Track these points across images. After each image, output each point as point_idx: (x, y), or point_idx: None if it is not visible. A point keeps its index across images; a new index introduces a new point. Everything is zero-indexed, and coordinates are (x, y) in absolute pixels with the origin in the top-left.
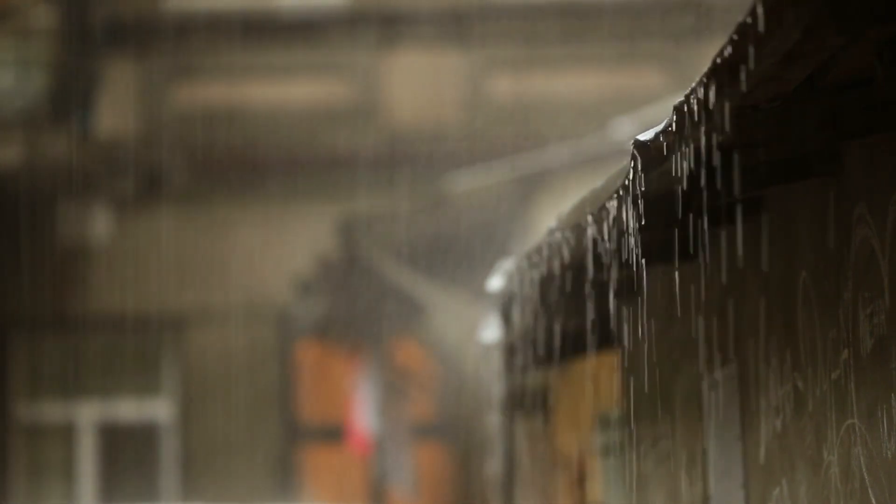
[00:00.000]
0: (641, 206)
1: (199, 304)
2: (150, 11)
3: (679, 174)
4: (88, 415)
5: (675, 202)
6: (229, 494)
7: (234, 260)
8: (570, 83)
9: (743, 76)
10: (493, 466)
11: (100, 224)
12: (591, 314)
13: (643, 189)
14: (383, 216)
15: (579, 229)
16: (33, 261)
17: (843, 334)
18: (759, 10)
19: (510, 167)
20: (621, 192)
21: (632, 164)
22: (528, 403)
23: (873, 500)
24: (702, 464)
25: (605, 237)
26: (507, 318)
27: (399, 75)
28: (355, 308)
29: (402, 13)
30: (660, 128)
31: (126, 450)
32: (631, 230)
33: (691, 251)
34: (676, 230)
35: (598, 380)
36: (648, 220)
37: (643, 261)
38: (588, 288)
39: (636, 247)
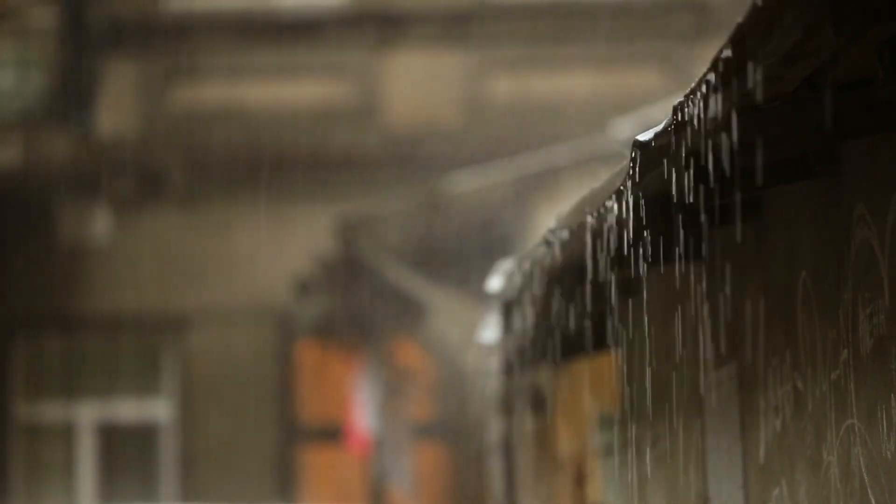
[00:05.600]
0: (641, 206)
1: (199, 305)
2: (149, 11)
3: (678, 175)
4: (88, 415)
5: (674, 202)
6: (229, 494)
7: (234, 260)
8: (570, 83)
9: (743, 76)
10: (493, 466)
11: (100, 224)
12: (590, 314)
13: (643, 189)
14: (383, 216)
15: (579, 229)
16: (33, 261)
17: (843, 334)
18: (758, 11)
19: (510, 167)
20: (621, 192)
21: (632, 164)
22: (527, 403)
23: (873, 501)
24: (701, 464)
25: (605, 237)
26: (506, 318)
27: (399, 75)
28: (355, 308)
29: (401, 13)
30: (660, 128)
31: (126, 450)
32: (630, 230)
33: (691, 251)
34: (676, 230)
35: (598, 380)
36: (648, 220)
37: (643, 261)
38: (588, 288)
39: (636, 247)
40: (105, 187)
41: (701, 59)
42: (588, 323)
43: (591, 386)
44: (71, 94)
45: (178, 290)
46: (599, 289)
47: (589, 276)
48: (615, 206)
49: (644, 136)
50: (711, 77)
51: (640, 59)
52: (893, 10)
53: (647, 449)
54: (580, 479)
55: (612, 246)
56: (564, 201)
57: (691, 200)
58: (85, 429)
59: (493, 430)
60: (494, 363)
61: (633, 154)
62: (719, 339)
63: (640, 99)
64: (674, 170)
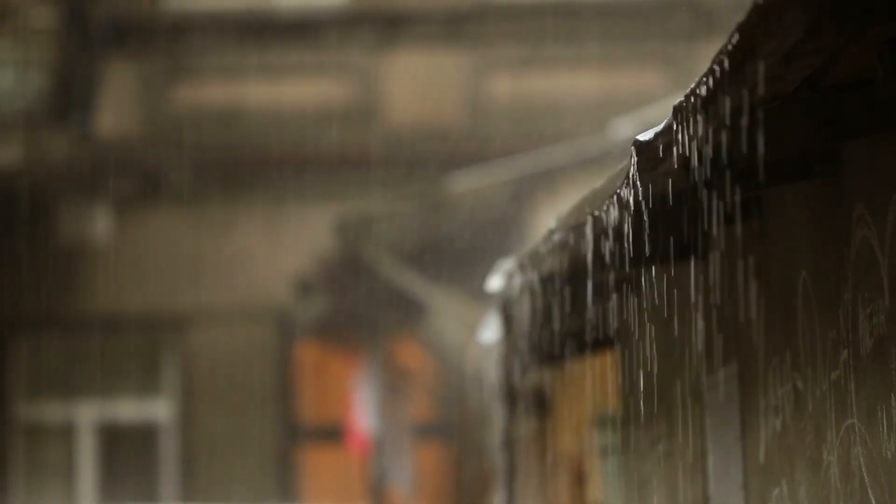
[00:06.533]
0: (641, 207)
1: (199, 304)
2: (150, 11)
3: (679, 174)
4: (88, 415)
5: (674, 202)
6: (229, 494)
7: (234, 260)
8: (570, 83)
9: (743, 76)
10: (493, 466)
11: (100, 224)
12: (590, 314)
13: (643, 189)
14: (383, 216)
15: (579, 229)
16: (33, 261)
17: (843, 334)
18: (759, 10)
19: (510, 167)
20: (621, 192)
21: (632, 164)
22: (528, 403)
23: (873, 501)
24: (702, 464)
25: (605, 237)
26: (506, 318)
27: (399, 75)
28: (355, 308)
29: (402, 13)
30: (660, 128)
31: (126, 450)
32: (630, 230)
33: (691, 251)
34: (676, 230)
35: (598, 380)
36: (648, 220)
37: (642, 261)
38: (588, 288)
39: (636, 247)
40: (105, 187)
41: (701, 59)
42: (588, 323)
43: (592, 386)
44: (71, 94)
45: (178, 290)
46: (599, 288)
47: (589, 275)
48: (615, 206)
49: (644, 136)
50: (712, 77)
51: (640, 59)
52: (893, 10)
53: (648, 449)
54: (580, 479)
55: (612, 246)
56: (564, 201)
57: (691, 200)
58: (85, 429)
59: (494, 430)
60: (494, 363)
61: (633, 154)
62: (720, 339)
63: (640, 99)
64: (674, 170)
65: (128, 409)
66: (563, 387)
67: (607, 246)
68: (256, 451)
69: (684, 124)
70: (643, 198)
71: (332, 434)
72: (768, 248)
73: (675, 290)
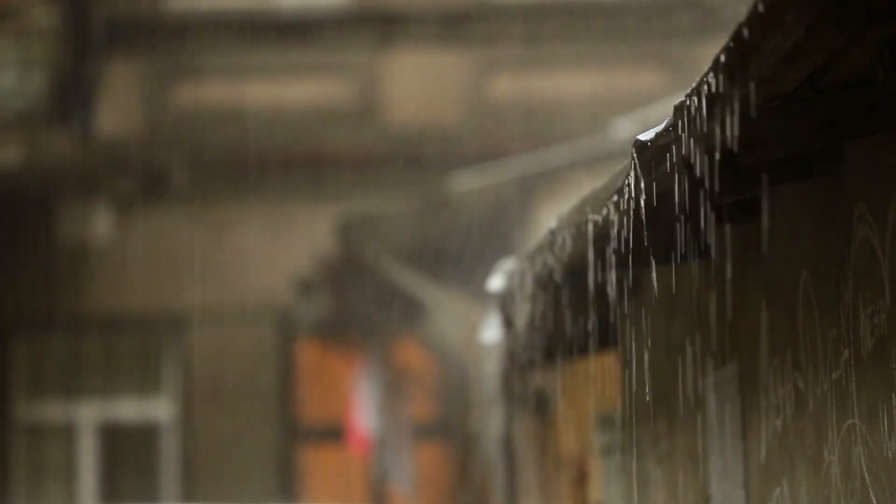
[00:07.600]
0: (642, 206)
1: (199, 304)
2: (150, 11)
3: (679, 174)
4: (88, 415)
5: (675, 202)
6: (229, 494)
7: (235, 260)
8: (570, 83)
9: (743, 76)
10: (493, 466)
11: (101, 224)
12: (591, 314)
13: (643, 189)
14: (383, 216)
15: (579, 229)
16: (33, 261)
17: (844, 334)
18: (760, 10)
19: (511, 167)
20: (621, 192)
21: (632, 164)
22: (528, 403)
23: (874, 500)
24: (702, 464)
25: (606, 237)
26: (507, 318)
27: (399, 75)
28: (355, 308)
29: (402, 13)
30: (660, 128)
31: (126, 450)
32: (631, 230)
33: (691, 251)
34: (677, 230)
35: (598, 380)
36: (648, 220)
37: (643, 261)
38: (588, 288)
39: (636, 247)
40: (106, 187)
41: (701, 59)
42: (589, 323)
43: (593, 386)
44: (72, 94)
45: (178, 290)
46: (600, 289)
47: (590, 275)
48: (616, 206)
49: (645, 136)
50: (712, 77)
51: (640, 59)
52: (893, 10)
53: (649, 449)
54: (581, 479)
55: (613, 246)
56: (565, 201)
57: (692, 200)
58: (86, 429)
59: (494, 429)
60: (495, 363)
61: (634, 154)
62: (721, 339)
63: (640, 99)
64: (675, 170)
65: (128, 409)
66: (564, 386)
67: (608, 246)
68: (257, 451)
69: (685, 124)
70: (643, 197)
71: (333, 434)
72: (769, 248)
73: (676, 290)
